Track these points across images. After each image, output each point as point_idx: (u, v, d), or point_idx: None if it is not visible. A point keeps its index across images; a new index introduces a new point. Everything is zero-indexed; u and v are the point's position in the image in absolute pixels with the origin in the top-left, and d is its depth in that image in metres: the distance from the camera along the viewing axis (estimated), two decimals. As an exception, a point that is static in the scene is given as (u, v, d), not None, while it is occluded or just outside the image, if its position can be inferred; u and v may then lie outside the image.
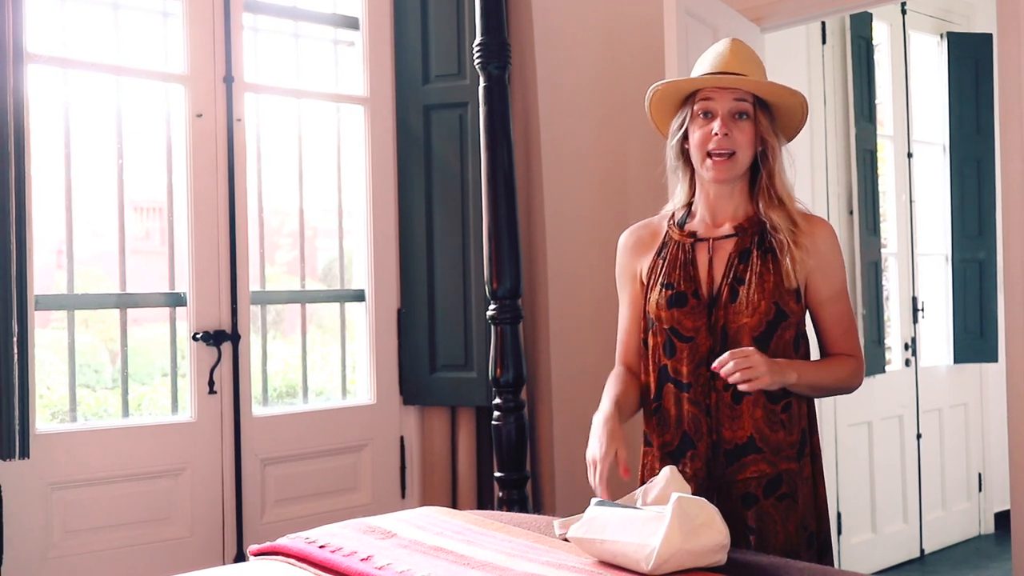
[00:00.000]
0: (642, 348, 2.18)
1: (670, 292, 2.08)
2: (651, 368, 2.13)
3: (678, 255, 2.11)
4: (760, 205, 2.07)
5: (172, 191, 3.52)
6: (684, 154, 2.13)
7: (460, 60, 3.81)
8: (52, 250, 3.77)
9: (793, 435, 2.05)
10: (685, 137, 2.11)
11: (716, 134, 2.02)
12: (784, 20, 3.56)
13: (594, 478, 1.96)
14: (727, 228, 2.10)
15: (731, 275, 2.05)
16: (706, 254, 2.09)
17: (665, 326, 2.08)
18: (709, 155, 2.05)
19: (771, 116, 2.08)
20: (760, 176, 2.08)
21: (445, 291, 3.84)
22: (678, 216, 2.18)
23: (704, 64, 2.11)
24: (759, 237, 2.07)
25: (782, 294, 2.03)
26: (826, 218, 4.46)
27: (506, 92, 2.89)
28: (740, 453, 2.03)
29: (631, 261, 2.22)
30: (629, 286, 2.23)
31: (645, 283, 2.16)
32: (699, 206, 2.15)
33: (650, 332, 2.13)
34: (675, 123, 2.12)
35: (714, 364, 1.96)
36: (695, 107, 2.07)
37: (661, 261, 2.13)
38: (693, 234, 2.12)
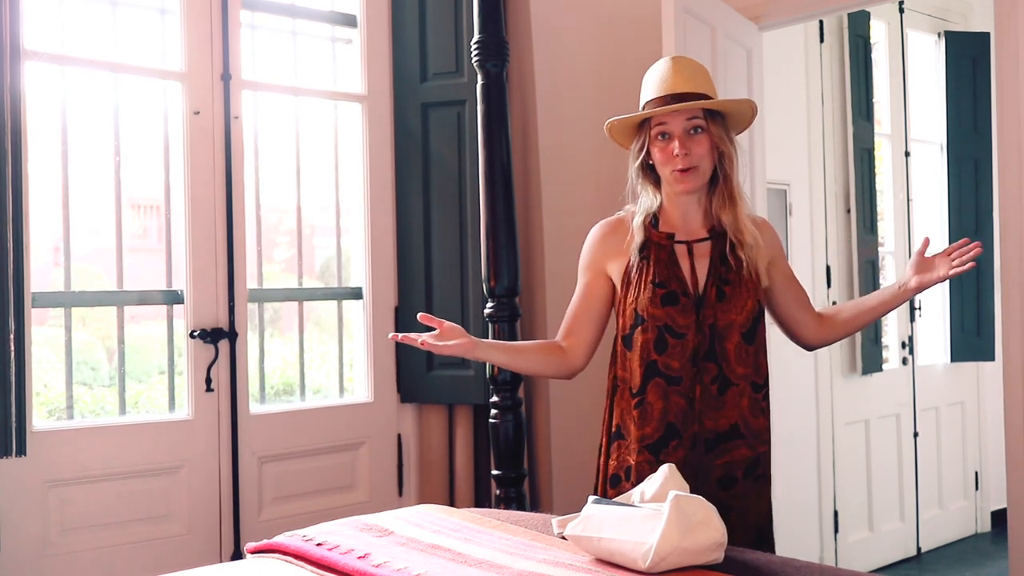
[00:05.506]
0: (619, 345, 2.26)
1: (663, 291, 2.18)
2: (637, 364, 2.20)
3: (662, 256, 2.21)
4: (714, 206, 2.23)
5: (169, 189, 3.52)
6: (646, 168, 2.26)
7: (458, 58, 3.81)
8: (49, 247, 3.77)
9: (769, 420, 2.24)
10: (647, 154, 2.23)
11: (677, 155, 2.15)
12: (782, 18, 3.56)
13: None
14: (701, 232, 2.24)
15: (715, 276, 2.19)
16: (686, 256, 2.21)
17: (658, 323, 2.18)
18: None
19: (723, 120, 2.21)
20: (718, 180, 2.22)
21: (443, 289, 3.84)
22: (651, 220, 2.26)
23: (651, 87, 2.23)
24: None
25: (759, 291, 2.22)
26: (824, 217, 4.52)
27: (504, 90, 2.89)
28: (720, 440, 2.17)
29: (600, 256, 2.31)
30: (590, 277, 2.31)
31: (623, 282, 2.25)
32: (670, 212, 2.26)
33: (639, 329, 2.20)
34: (634, 147, 2.26)
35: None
36: (652, 131, 2.20)
37: (645, 262, 2.22)
38: (672, 236, 2.23)
